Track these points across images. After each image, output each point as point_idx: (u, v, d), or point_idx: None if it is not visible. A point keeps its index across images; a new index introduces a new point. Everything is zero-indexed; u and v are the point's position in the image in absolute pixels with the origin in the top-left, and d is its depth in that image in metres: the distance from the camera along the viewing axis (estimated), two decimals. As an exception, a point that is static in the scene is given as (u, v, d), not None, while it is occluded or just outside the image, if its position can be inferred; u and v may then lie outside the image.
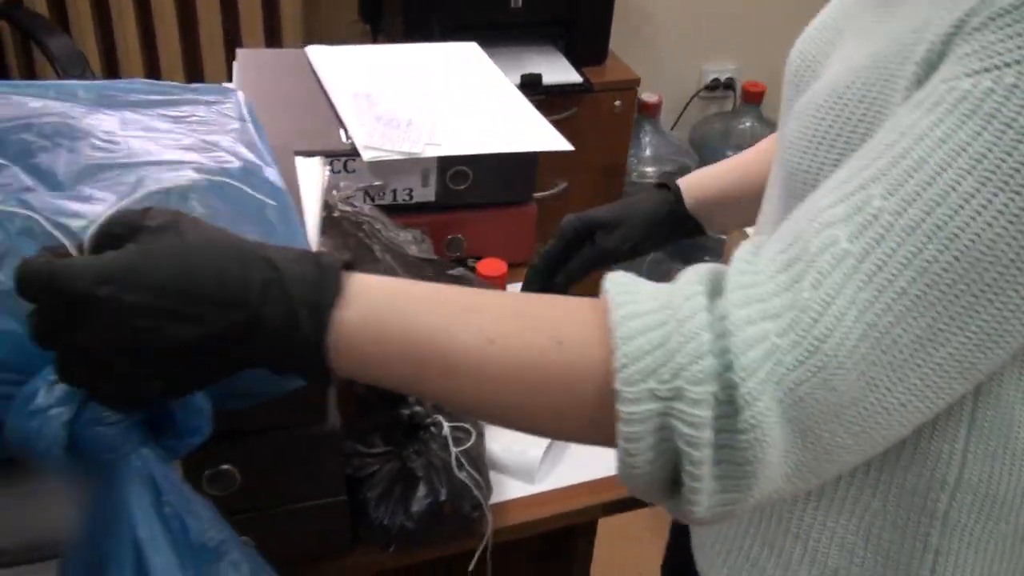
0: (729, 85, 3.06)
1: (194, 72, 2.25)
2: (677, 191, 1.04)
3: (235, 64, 1.32)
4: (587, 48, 2.22)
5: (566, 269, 1.03)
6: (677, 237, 1.06)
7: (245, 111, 0.90)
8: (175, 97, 0.90)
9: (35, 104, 0.81)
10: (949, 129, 0.52)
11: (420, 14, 2.00)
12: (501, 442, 1.03)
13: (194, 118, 0.88)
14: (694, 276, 0.55)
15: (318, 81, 1.29)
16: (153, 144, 0.79)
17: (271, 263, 0.54)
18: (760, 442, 0.51)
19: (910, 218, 0.51)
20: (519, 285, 1.07)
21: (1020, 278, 0.51)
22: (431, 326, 0.55)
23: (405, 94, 1.27)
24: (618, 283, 0.55)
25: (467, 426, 0.96)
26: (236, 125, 0.87)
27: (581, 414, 0.55)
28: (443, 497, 0.91)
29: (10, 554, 0.75)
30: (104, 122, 0.81)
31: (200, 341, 0.52)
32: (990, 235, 0.50)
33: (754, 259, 0.55)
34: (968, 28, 0.53)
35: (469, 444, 0.95)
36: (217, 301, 0.52)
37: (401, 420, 0.95)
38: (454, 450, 0.94)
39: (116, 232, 0.56)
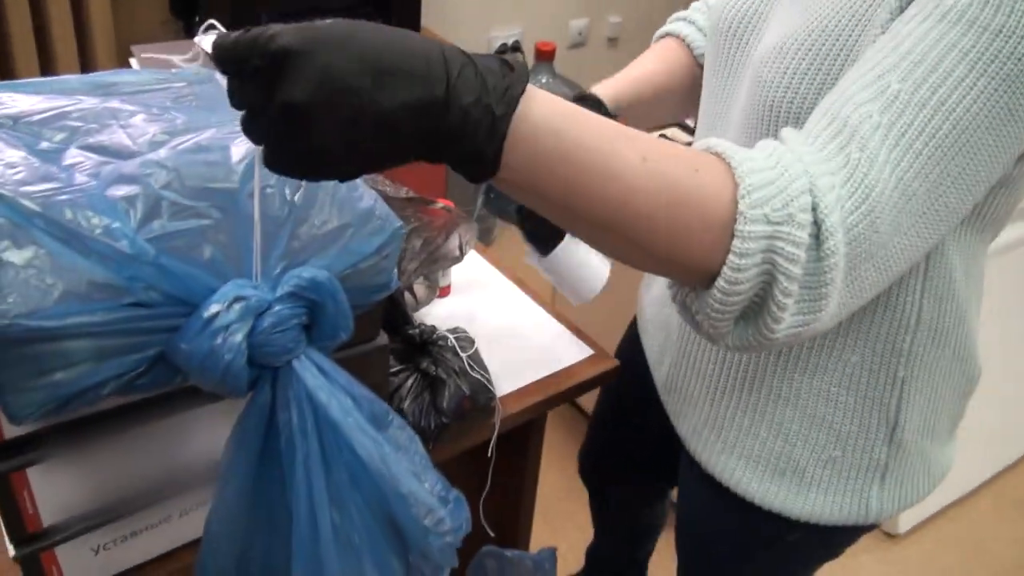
0: (516, 48, 3.27)
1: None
2: (600, 101, 1.06)
3: (133, 60, 1.37)
4: (401, 25, 2.35)
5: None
6: None
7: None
8: (163, 84, 0.97)
9: (51, 98, 0.87)
10: (941, 32, 0.68)
11: (246, 3, 2.06)
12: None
13: (191, 96, 0.96)
14: (776, 143, 0.69)
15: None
16: (192, 115, 0.87)
17: (466, 55, 0.58)
18: (835, 268, 0.65)
19: (921, 96, 0.68)
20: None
21: (991, 139, 0.70)
22: (600, 135, 0.62)
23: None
24: (727, 144, 0.67)
25: (469, 335, 1.10)
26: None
27: (704, 233, 0.63)
28: (467, 392, 1.04)
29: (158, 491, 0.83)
30: (124, 106, 0.88)
31: (397, 110, 0.55)
32: (975, 108, 0.68)
33: (806, 136, 0.70)
34: None
35: (472, 351, 1.09)
36: (420, 73, 0.55)
37: (412, 339, 1.07)
38: (464, 355, 1.07)
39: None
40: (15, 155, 0.71)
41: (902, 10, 0.73)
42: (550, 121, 0.60)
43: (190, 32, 2.29)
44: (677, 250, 0.65)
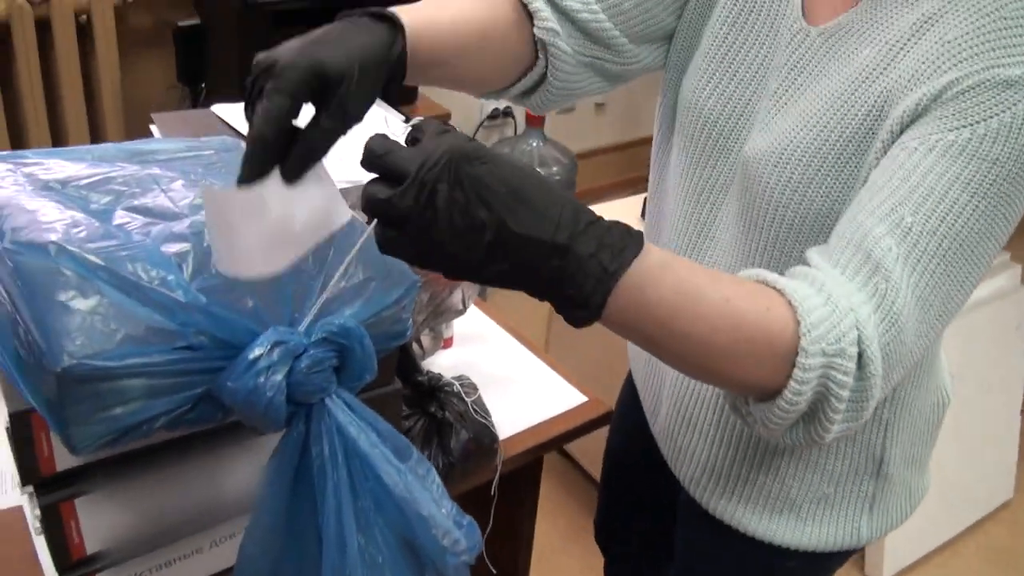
0: (508, 113, 3.40)
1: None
2: (402, 29, 0.80)
3: (153, 127, 1.46)
4: (401, 92, 2.46)
5: (306, 142, 0.71)
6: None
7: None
8: (193, 152, 1.06)
9: (94, 165, 0.96)
10: (945, 166, 0.78)
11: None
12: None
13: (220, 163, 1.05)
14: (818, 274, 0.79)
15: (238, 134, 1.46)
16: (225, 180, 0.96)
17: (593, 213, 0.67)
18: (875, 385, 0.76)
19: (931, 226, 0.78)
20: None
21: (988, 244, 0.80)
22: (692, 280, 0.71)
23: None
24: (779, 278, 0.77)
25: (472, 382, 1.19)
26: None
27: (770, 362, 0.74)
28: (472, 435, 1.12)
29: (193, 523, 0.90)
30: (164, 172, 0.97)
31: (518, 236, 0.62)
32: (976, 226, 0.78)
33: (835, 264, 0.79)
34: (944, 99, 0.79)
35: (476, 397, 1.18)
36: (551, 215, 0.63)
37: (421, 386, 1.15)
38: (469, 401, 1.16)
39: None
40: (74, 215, 0.80)
41: (902, 131, 0.83)
42: (653, 276, 0.69)
43: (195, 96, 2.40)
44: (744, 376, 0.76)
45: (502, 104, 3.35)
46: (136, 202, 0.89)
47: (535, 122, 3.16)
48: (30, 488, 0.85)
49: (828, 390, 0.74)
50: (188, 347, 0.74)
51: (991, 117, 0.78)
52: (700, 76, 1.02)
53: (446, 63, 0.89)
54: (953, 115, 0.79)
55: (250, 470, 0.91)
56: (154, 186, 0.92)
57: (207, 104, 2.13)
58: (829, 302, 0.75)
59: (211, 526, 0.94)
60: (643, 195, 2.34)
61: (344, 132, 0.73)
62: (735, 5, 0.99)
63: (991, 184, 0.78)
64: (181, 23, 2.27)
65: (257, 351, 0.76)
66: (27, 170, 0.91)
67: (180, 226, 0.80)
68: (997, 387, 2.21)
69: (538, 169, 3.14)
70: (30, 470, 0.83)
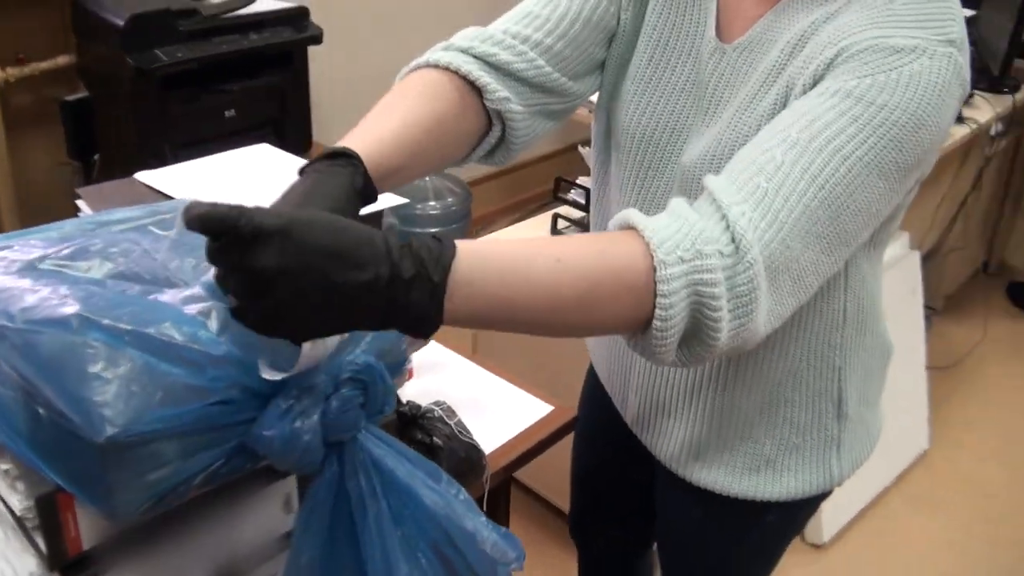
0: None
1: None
2: (360, 162, 0.88)
3: (80, 202, 1.44)
4: (294, 141, 2.46)
5: None
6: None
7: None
8: (156, 216, 1.06)
9: (61, 242, 0.93)
10: (834, 103, 0.84)
11: (154, 139, 2.14)
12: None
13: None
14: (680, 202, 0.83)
15: (169, 199, 1.45)
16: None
17: (399, 238, 0.69)
18: (758, 275, 0.78)
19: (817, 144, 0.83)
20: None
21: (883, 184, 0.85)
22: (515, 258, 0.74)
23: (255, 193, 1.48)
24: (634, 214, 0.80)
25: (449, 406, 1.22)
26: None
27: (629, 295, 0.76)
28: (462, 454, 1.16)
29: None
30: (140, 238, 0.97)
31: (348, 286, 0.65)
32: (867, 158, 0.83)
33: (725, 178, 0.84)
34: (837, 62, 0.88)
35: (457, 419, 1.21)
36: (366, 257, 0.66)
37: (404, 415, 1.18)
38: (452, 423, 1.19)
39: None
40: (82, 288, 0.80)
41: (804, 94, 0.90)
42: (474, 267, 0.71)
43: (88, 171, 2.35)
44: (614, 317, 0.78)
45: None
46: (124, 270, 0.90)
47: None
48: None
49: (700, 296, 0.76)
50: (222, 402, 0.76)
51: (880, 73, 0.86)
52: (632, 98, 1.10)
53: (407, 167, 0.94)
54: (844, 72, 0.87)
55: (267, 520, 0.93)
56: (135, 250, 0.93)
57: (103, 178, 2.11)
58: (679, 217, 0.79)
59: (235, 580, 0.95)
60: (541, 215, 2.44)
61: None
62: (657, 32, 1.08)
63: (879, 125, 0.84)
64: (68, 97, 2.23)
65: (289, 399, 0.78)
66: (-1, 255, 0.90)
67: (190, 289, 0.82)
68: (904, 347, 2.36)
69: (433, 203, 3.19)
70: (58, 553, 0.82)
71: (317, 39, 2.41)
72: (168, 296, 0.81)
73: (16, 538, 0.91)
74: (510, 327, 0.77)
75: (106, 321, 0.74)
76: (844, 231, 0.86)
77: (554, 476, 2.05)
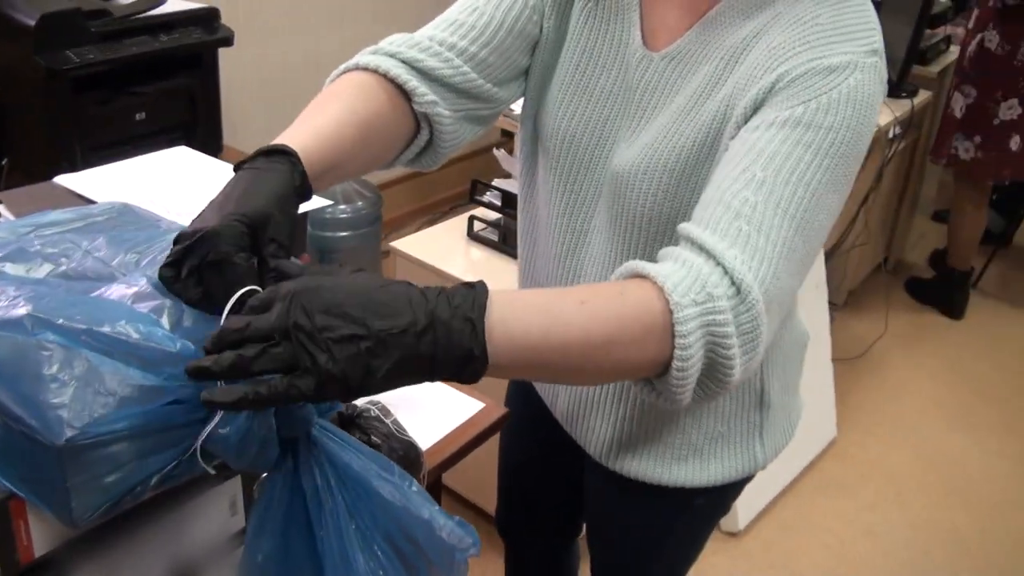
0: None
1: None
2: (298, 159, 0.89)
3: (0, 207, 1.41)
4: (205, 144, 2.42)
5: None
6: None
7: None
8: (87, 219, 1.05)
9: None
10: (786, 134, 0.90)
11: (64, 143, 2.09)
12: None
13: (121, 225, 1.04)
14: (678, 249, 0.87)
15: (89, 203, 1.43)
16: (134, 236, 0.96)
17: (435, 289, 0.73)
18: (760, 313, 0.83)
19: (783, 177, 0.88)
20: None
21: (835, 198, 0.92)
22: (543, 299, 0.79)
23: (175, 197, 1.47)
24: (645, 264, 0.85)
25: (384, 405, 1.23)
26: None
27: (650, 337, 0.79)
28: (401, 452, 1.17)
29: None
30: (78, 237, 0.96)
31: (397, 336, 0.69)
32: (824, 178, 0.89)
33: (703, 226, 0.87)
34: (778, 88, 0.92)
35: (393, 418, 1.22)
36: (403, 307, 0.70)
37: (342, 416, 1.18)
38: (388, 422, 1.20)
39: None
40: (28, 288, 0.79)
41: (746, 121, 0.95)
42: (506, 307, 0.75)
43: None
44: (636, 357, 0.81)
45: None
46: (65, 268, 0.89)
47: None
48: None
49: (714, 335, 0.81)
50: (176, 401, 0.76)
51: (821, 95, 0.92)
52: (559, 103, 1.13)
53: (340, 165, 0.96)
54: (787, 98, 0.93)
55: (214, 522, 0.94)
56: (75, 250, 0.92)
57: (12, 183, 2.05)
58: (685, 265, 0.84)
59: (187, 583, 0.95)
60: (454, 218, 2.47)
61: (288, 255, 0.81)
62: (584, 39, 1.12)
63: (830, 145, 0.91)
64: (-27, 100, 2.16)
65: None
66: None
67: (137, 286, 0.81)
68: (811, 340, 2.46)
69: (344, 206, 3.17)
70: (11, 563, 0.81)
71: (228, 41, 2.38)
72: (115, 290, 0.81)
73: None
74: (546, 373, 0.86)
75: (60, 321, 0.74)
76: (812, 248, 0.92)
77: (476, 477, 2.08)
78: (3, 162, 2.23)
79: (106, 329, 0.74)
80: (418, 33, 1.08)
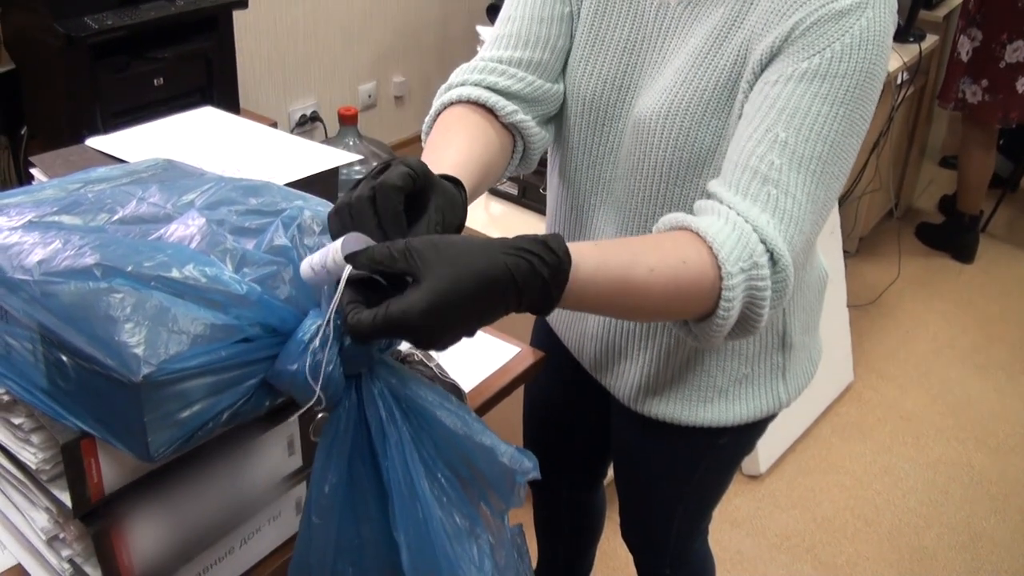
0: (315, 118, 3.42)
1: None
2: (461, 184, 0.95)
3: (35, 171, 1.43)
4: (223, 107, 2.45)
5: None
6: None
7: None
8: (133, 175, 1.07)
9: (46, 202, 0.95)
10: (804, 88, 0.95)
11: (85, 110, 2.11)
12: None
13: (168, 179, 1.07)
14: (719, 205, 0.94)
15: (122, 163, 1.45)
16: (180, 183, 0.98)
17: (525, 263, 0.77)
18: (791, 274, 0.92)
19: (803, 135, 0.94)
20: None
21: (853, 140, 0.97)
22: (620, 265, 0.85)
23: (206, 155, 1.49)
24: (693, 220, 0.92)
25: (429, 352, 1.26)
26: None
27: (702, 296, 0.89)
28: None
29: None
30: (131, 187, 0.98)
31: (502, 301, 0.77)
32: (840, 127, 0.95)
33: (731, 189, 0.95)
34: (793, 37, 0.96)
35: (436, 361, 1.25)
36: (499, 289, 0.76)
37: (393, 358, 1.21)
38: (432, 365, 1.23)
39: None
40: (94, 236, 0.81)
41: (763, 70, 0.99)
42: (588, 273, 0.82)
43: (15, 145, 2.30)
44: (686, 311, 0.92)
45: (308, 110, 3.38)
46: (121, 215, 0.91)
47: (348, 120, 3.19)
48: (53, 532, 0.87)
49: (752, 297, 0.91)
50: (246, 339, 0.79)
51: (834, 42, 0.95)
52: (577, 63, 1.17)
53: (475, 192, 1.02)
54: (802, 48, 0.96)
55: (271, 462, 0.97)
56: (129, 198, 0.94)
57: (33, 152, 2.06)
58: (735, 227, 0.91)
59: (240, 524, 0.98)
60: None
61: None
62: None
63: (845, 93, 0.95)
64: (-6, 71, 2.18)
65: (309, 332, 0.81)
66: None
67: (196, 223, 0.84)
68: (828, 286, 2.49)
69: (358, 167, 3.18)
70: (82, 500, 0.84)
71: (243, 2, 2.39)
72: (174, 230, 0.84)
73: (22, 497, 0.92)
74: (607, 313, 1.04)
75: (129, 268, 0.76)
76: (834, 192, 0.98)
77: (501, 421, 2.10)
78: (22, 132, 2.25)
79: (175, 274, 0.76)
80: (473, 60, 1.16)
